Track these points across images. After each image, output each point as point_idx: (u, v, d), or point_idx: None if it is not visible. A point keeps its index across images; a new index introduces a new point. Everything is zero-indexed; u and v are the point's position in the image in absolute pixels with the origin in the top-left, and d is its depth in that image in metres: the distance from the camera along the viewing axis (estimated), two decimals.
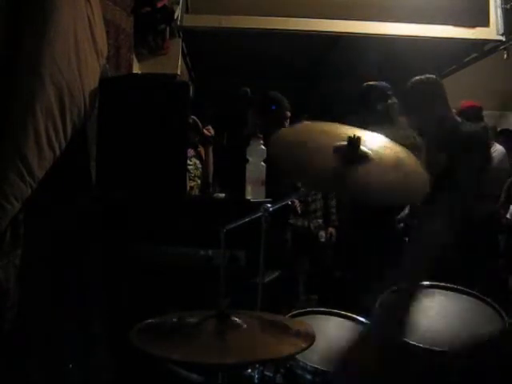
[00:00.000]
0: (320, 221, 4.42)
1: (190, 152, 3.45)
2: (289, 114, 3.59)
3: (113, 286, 2.09)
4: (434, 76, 2.80)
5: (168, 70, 3.45)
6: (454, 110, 2.88)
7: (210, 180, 3.51)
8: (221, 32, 3.96)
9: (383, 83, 3.31)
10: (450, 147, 2.52)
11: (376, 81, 3.48)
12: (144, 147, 2.19)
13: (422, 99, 2.74)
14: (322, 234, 4.42)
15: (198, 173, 3.54)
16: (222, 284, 1.43)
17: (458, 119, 2.81)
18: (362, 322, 1.78)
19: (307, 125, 1.66)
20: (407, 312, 1.34)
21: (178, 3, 3.69)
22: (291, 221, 4.06)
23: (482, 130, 2.77)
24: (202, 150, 3.55)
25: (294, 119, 3.87)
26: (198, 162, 3.54)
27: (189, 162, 3.33)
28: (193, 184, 3.48)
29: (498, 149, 3.77)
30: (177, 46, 3.71)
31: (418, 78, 2.79)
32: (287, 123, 3.61)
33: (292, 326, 1.50)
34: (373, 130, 1.43)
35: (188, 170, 3.18)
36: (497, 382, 1.29)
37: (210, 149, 3.58)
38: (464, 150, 2.54)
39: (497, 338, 1.55)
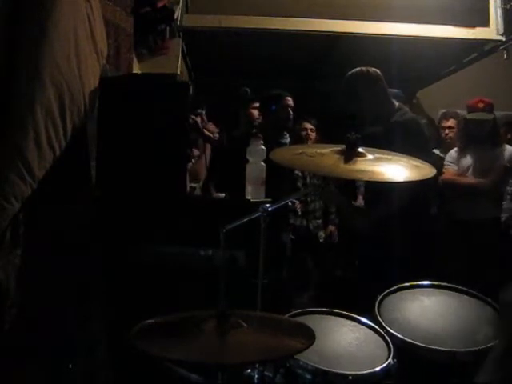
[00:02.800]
0: (319, 221, 4.40)
1: (195, 152, 3.47)
2: (291, 112, 3.58)
3: (113, 286, 2.09)
4: (374, 69, 2.80)
5: (168, 69, 3.44)
6: (395, 101, 2.82)
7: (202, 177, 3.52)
8: (221, 32, 3.96)
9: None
10: (384, 134, 2.52)
11: None
12: (144, 147, 2.20)
13: (359, 88, 2.74)
14: (322, 234, 4.41)
15: None
16: (221, 284, 1.43)
17: (396, 107, 2.77)
18: (362, 321, 1.78)
19: None
20: None
21: (177, 3, 3.68)
22: (291, 221, 4.06)
23: (417, 118, 2.75)
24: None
25: (296, 119, 3.87)
26: None
27: (193, 161, 3.35)
28: (195, 185, 3.49)
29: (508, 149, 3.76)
30: (177, 45, 3.70)
31: (357, 68, 2.80)
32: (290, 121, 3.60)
33: (292, 326, 1.50)
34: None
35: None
36: None
37: (208, 146, 3.58)
38: (398, 136, 2.50)
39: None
